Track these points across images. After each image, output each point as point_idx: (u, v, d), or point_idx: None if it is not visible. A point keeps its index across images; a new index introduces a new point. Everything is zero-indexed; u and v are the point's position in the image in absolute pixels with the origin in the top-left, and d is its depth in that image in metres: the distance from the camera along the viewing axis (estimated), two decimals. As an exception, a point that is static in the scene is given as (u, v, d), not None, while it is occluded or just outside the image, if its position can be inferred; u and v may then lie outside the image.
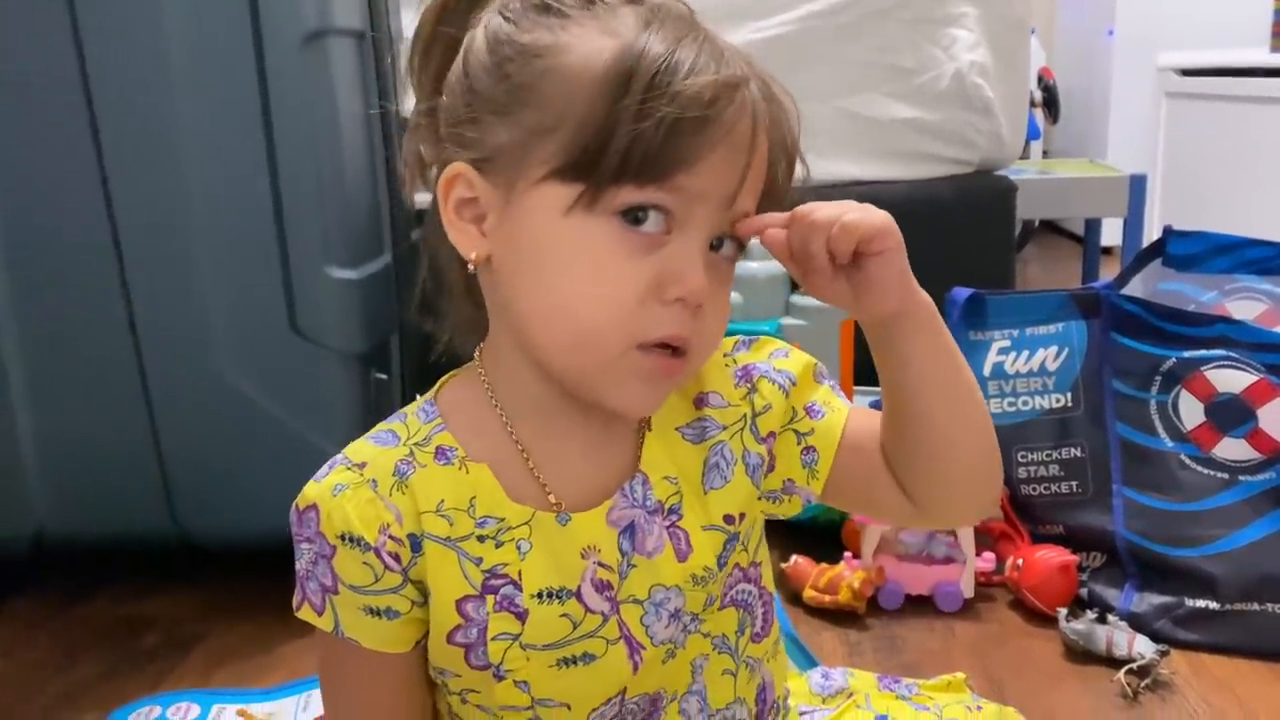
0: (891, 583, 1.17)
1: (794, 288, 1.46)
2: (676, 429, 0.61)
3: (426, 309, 0.61)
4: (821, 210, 0.54)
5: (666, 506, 0.59)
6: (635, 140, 0.49)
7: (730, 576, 0.62)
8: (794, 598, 1.18)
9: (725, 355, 0.63)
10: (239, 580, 1.25)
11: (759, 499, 0.62)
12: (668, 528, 0.58)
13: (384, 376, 1.20)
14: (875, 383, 1.69)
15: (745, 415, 0.61)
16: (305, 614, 0.57)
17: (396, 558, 0.55)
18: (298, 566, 0.57)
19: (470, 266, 0.55)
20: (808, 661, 1.05)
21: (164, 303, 1.10)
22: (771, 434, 0.61)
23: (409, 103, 1.46)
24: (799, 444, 0.62)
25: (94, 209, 1.07)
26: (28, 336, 1.10)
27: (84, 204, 1.07)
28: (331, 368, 1.13)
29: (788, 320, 1.40)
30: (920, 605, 1.17)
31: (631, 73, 0.49)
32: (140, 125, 1.06)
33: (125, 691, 1.05)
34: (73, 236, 1.08)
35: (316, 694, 1.02)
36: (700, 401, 0.62)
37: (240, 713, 1.00)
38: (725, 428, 0.61)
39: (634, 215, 0.51)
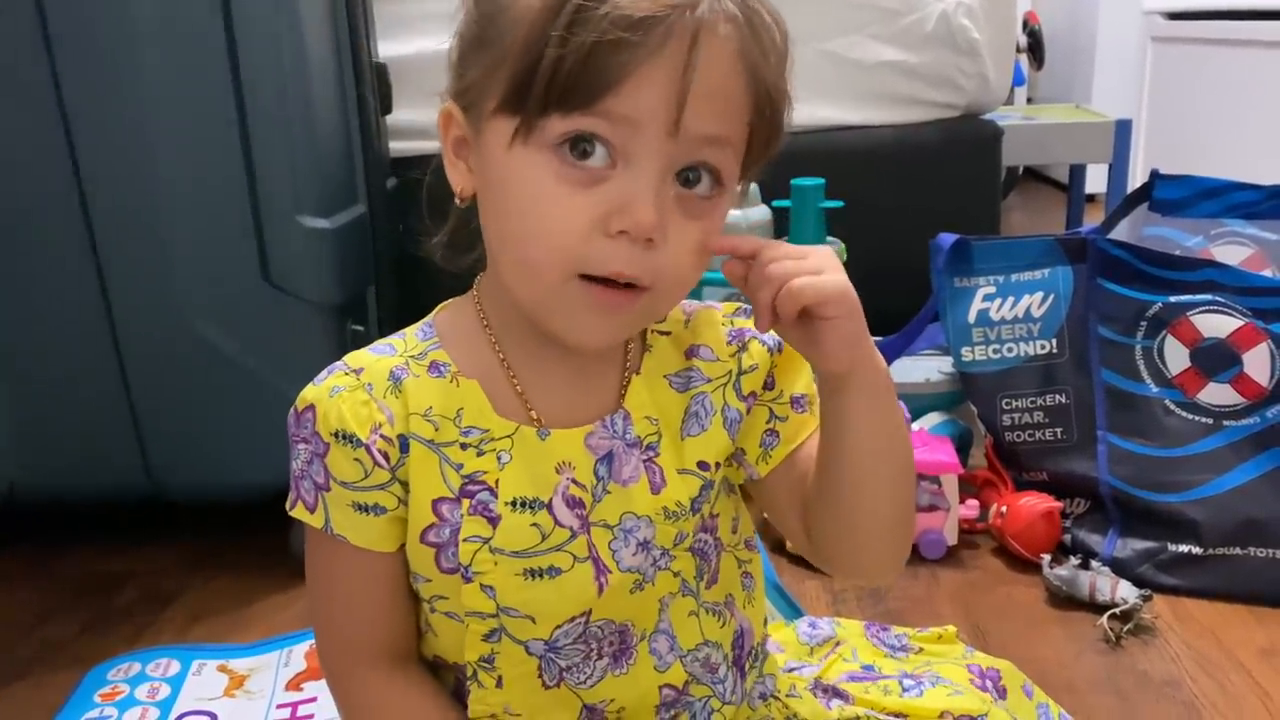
0: (875, 531, 1.17)
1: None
2: (665, 376, 0.62)
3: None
4: (778, 264, 0.55)
5: (645, 443, 0.61)
6: (556, 67, 0.49)
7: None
8: (778, 546, 1.18)
9: (725, 317, 0.65)
10: (215, 535, 1.24)
11: None
12: (644, 461, 0.60)
13: (360, 328, 1.18)
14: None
15: (731, 371, 0.63)
16: (299, 512, 0.59)
17: (386, 456, 0.57)
18: (293, 466, 0.59)
19: (458, 201, 0.58)
20: (793, 611, 1.04)
21: (133, 255, 1.07)
22: (754, 393, 0.63)
23: (381, 45, 1.42)
24: (768, 422, 0.64)
25: (57, 161, 1.04)
26: (-7, 292, 1.08)
27: (46, 156, 1.04)
28: (306, 319, 1.11)
29: (771, 268, 1.38)
30: (904, 553, 1.17)
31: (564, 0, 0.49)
32: (103, 71, 1.02)
33: (103, 647, 1.04)
34: (36, 190, 1.05)
35: (298, 649, 1.01)
36: (691, 353, 0.63)
37: (221, 668, 1.00)
38: (710, 380, 0.63)
39: (578, 148, 0.51)
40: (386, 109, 1.29)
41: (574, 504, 0.59)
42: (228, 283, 1.08)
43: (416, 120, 1.41)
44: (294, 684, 0.97)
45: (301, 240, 1.08)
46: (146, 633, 1.07)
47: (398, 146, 1.40)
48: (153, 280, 1.07)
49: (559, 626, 0.59)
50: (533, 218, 0.52)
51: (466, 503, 0.57)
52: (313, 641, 1.02)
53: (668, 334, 0.63)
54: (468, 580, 0.57)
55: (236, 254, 1.07)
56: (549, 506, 0.58)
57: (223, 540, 1.23)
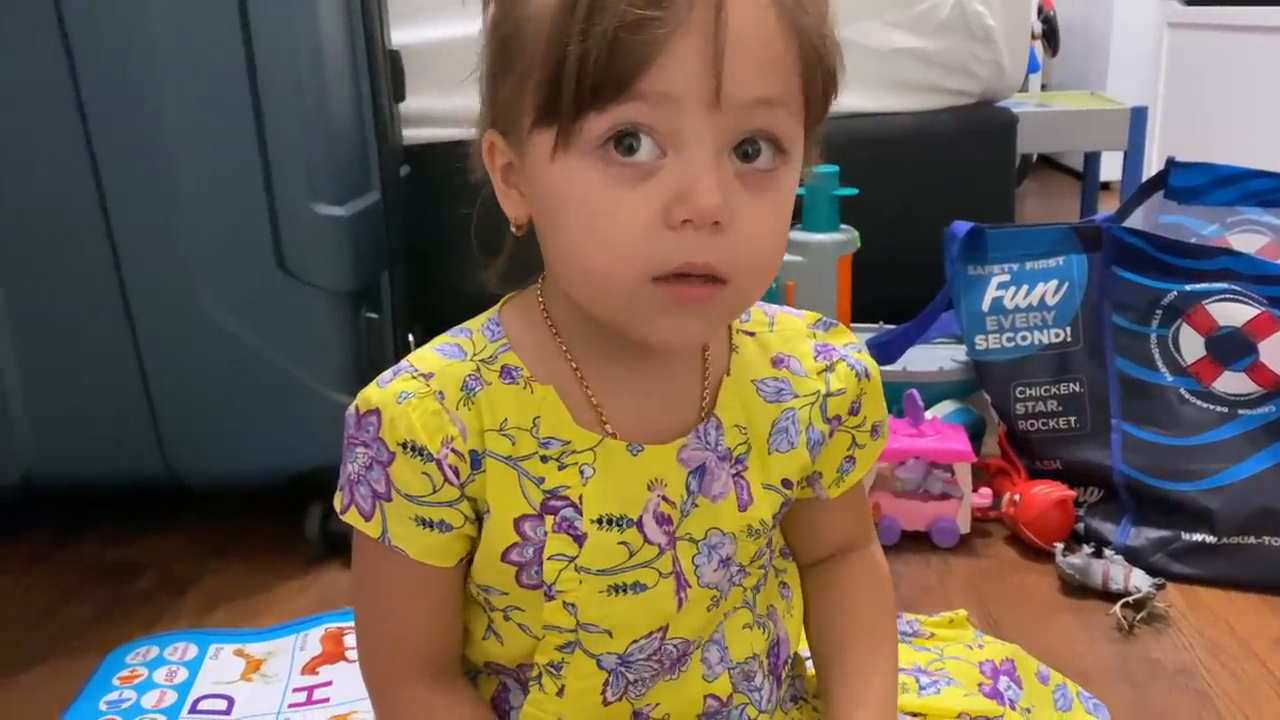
0: (888, 518, 1.17)
1: (791, 225, 1.44)
2: (753, 381, 0.61)
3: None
4: None
5: (734, 455, 0.59)
6: (582, 61, 0.46)
7: None
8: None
9: (809, 328, 0.64)
10: (230, 521, 1.25)
11: None
12: (733, 475, 0.59)
13: (375, 315, 1.19)
14: (871, 319, 1.68)
15: (819, 392, 0.61)
16: (352, 518, 0.57)
17: (456, 472, 0.55)
18: (348, 470, 0.56)
19: (514, 229, 0.55)
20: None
21: (149, 242, 1.08)
22: (838, 417, 0.62)
23: (394, 32, 1.42)
24: (849, 449, 0.64)
25: (74, 150, 1.04)
26: (11, 283, 1.08)
27: (63, 146, 1.04)
28: (321, 307, 1.11)
29: (785, 256, 1.38)
30: (917, 541, 1.17)
31: None
32: (119, 60, 1.03)
33: (121, 632, 1.05)
34: (53, 180, 1.06)
35: (314, 633, 1.02)
36: (779, 362, 0.62)
37: (238, 652, 1.01)
38: (798, 396, 0.61)
39: (623, 144, 0.48)
40: (400, 96, 1.29)
41: (663, 520, 0.57)
42: (243, 270, 1.09)
43: (430, 108, 1.41)
44: (310, 668, 0.97)
45: (316, 228, 1.09)
46: (164, 617, 1.08)
47: (411, 134, 1.41)
48: (169, 267, 1.08)
49: (635, 641, 0.58)
50: (589, 226, 0.49)
51: (550, 519, 0.55)
52: (328, 626, 1.03)
53: (752, 335, 0.62)
54: (550, 598, 0.56)
55: (252, 241, 1.07)
56: (638, 524, 0.56)
57: (238, 526, 1.24)
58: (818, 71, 0.51)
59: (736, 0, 0.47)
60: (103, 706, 0.92)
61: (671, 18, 0.46)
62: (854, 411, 0.63)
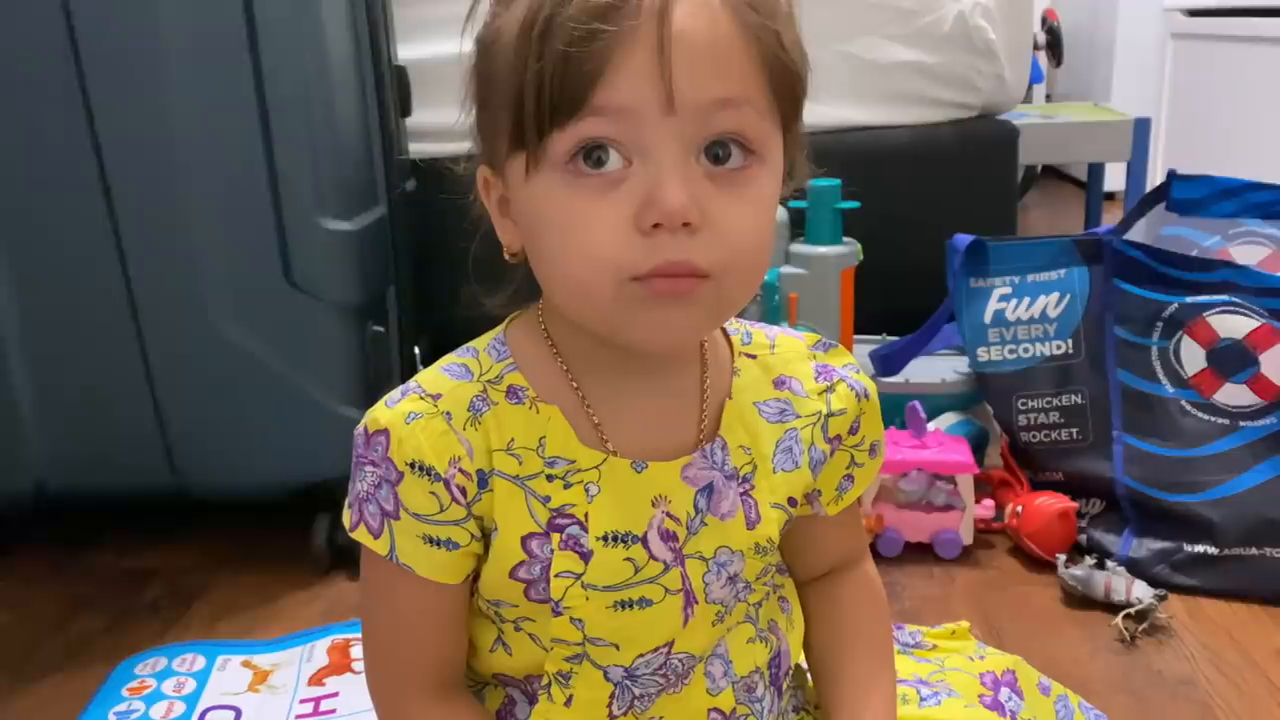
0: (890, 530, 1.18)
1: (794, 236, 1.45)
2: (755, 404, 0.61)
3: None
4: None
5: (741, 475, 0.60)
6: (539, 82, 0.48)
7: None
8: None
9: (808, 349, 0.64)
10: (238, 532, 1.26)
11: None
12: (741, 494, 0.60)
13: (381, 329, 1.20)
14: (874, 331, 1.68)
15: (820, 412, 0.62)
16: (361, 535, 0.57)
17: (463, 491, 0.55)
18: (358, 488, 0.57)
19: (507, 256, 0.56)
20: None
21: (158, 256, 1.09)
22: (839, 437, 0.63)
23: (400, 48, 1.43)
24: (848, 467, 0.64)
25: (84, 165, 1.06)
26: (23, 295, 1.10)
27: (73, 160, 1.05)
28: (328, 320, 1.13)
29: (787, 269, 1.39)
30: (919, 552, 1.18)
31: (533, 20, 0.48)
32: (128, 75, 1.04)
33: (130, 643, 1.06)
34: (64, 195, 1.07)
35: (320, 644, 1.03)
36: (780, 383, 0.62)
37: (245, 663, 1.01)
38: (800, 416, 0.62)
39: (591, 158, 0.49)
40: (406, 111, 1.30)
41: (668, 537, 0.57)
42: (251, 284, 1.10)
43: (435, 122, 1.42)
44: (316, 679, 0.98)
45: (323, 242, 1.10)
46: (173, 628, 1.09)
47: (417, 148, 1.42)
48: (177, 281, 1.09)
49: (641, 655, 0.58)
50: (565, 238, 0.51)
51: (556, 537, 0.56)
52: (334, 637, 1.04)
53: (754, 357, 0.62)
54: (557, 614, 0.56)
55: (259, 256, 1.09)
56: (643, 540, 0.57)
57: (246, 537, 1.25)
58: (778, 69, 0.51)
59: (682, 5, 0.48)
60: (112, 717, 0.93)
61: (619, 28, 0.47)
62: (853, 431, 0.64)
